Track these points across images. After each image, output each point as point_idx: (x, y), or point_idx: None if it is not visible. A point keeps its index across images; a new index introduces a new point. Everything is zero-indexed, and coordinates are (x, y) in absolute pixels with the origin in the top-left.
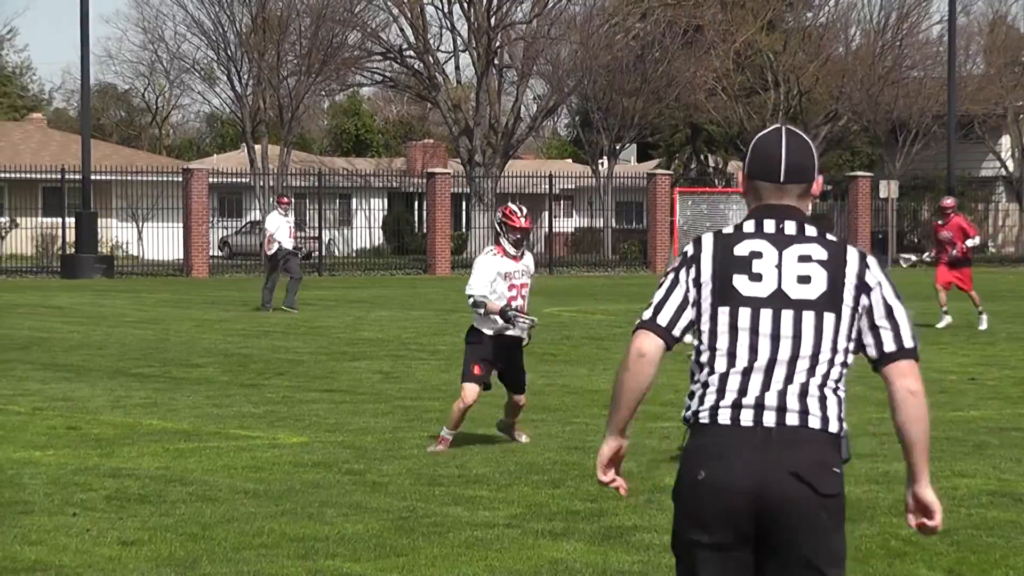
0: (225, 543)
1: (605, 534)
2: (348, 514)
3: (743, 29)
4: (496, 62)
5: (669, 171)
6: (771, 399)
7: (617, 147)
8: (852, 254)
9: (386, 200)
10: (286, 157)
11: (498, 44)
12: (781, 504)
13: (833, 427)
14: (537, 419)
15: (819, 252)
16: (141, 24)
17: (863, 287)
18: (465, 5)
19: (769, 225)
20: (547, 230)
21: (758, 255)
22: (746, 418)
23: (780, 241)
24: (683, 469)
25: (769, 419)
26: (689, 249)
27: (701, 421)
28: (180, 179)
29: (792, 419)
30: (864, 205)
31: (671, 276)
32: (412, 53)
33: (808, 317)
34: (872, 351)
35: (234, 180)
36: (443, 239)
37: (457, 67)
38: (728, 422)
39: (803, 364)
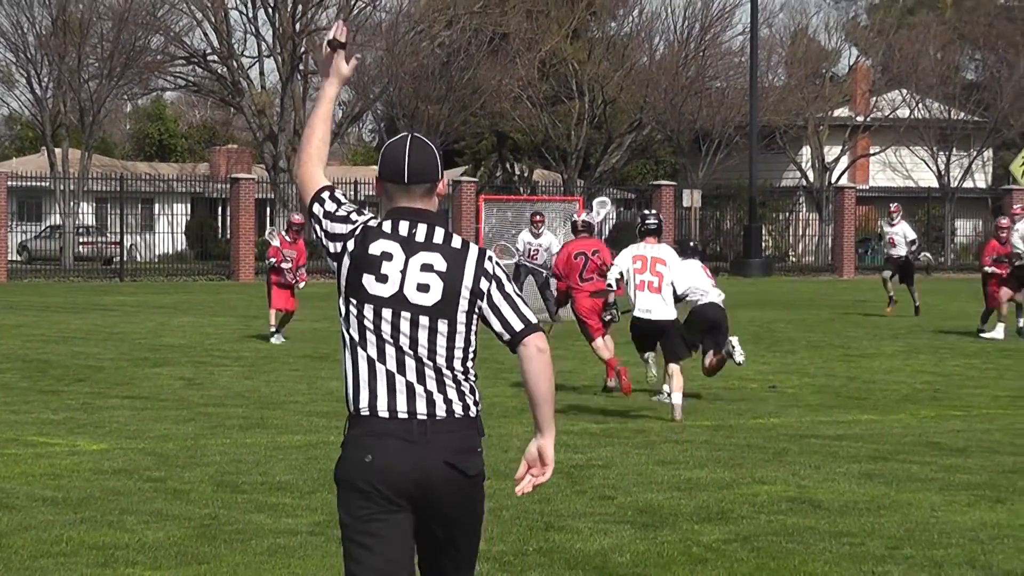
0: (22, 551)
1: None
2: (149, 521)
3: (548, 38)
4: (301, 67)
5: (475, 178)
6: (409, 383)
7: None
8: (470, 265)
9: (189, 205)
10: (87, 161)
11: (303, 49)
12: (435, 485)
13: (472, 411)
14: (338, 426)
15: (440, 263)
16: None
17: (477, 293)
18: (270, 10)
19: (403, 227)
20: None
21: (388, 256)
22: (400, 406)
23: (410, 246)
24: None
25: (419, 408)
26: (350, 225)
27: (361, 412)
28: None
29: (439, 411)
30: (667, 214)
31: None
32: (216, 58)
33: (424, 321)
34: (505, 336)
35: (34, 184)
36: (247, 245)
37: (262, 72)
38: (385, 414)
39: (430, 363)
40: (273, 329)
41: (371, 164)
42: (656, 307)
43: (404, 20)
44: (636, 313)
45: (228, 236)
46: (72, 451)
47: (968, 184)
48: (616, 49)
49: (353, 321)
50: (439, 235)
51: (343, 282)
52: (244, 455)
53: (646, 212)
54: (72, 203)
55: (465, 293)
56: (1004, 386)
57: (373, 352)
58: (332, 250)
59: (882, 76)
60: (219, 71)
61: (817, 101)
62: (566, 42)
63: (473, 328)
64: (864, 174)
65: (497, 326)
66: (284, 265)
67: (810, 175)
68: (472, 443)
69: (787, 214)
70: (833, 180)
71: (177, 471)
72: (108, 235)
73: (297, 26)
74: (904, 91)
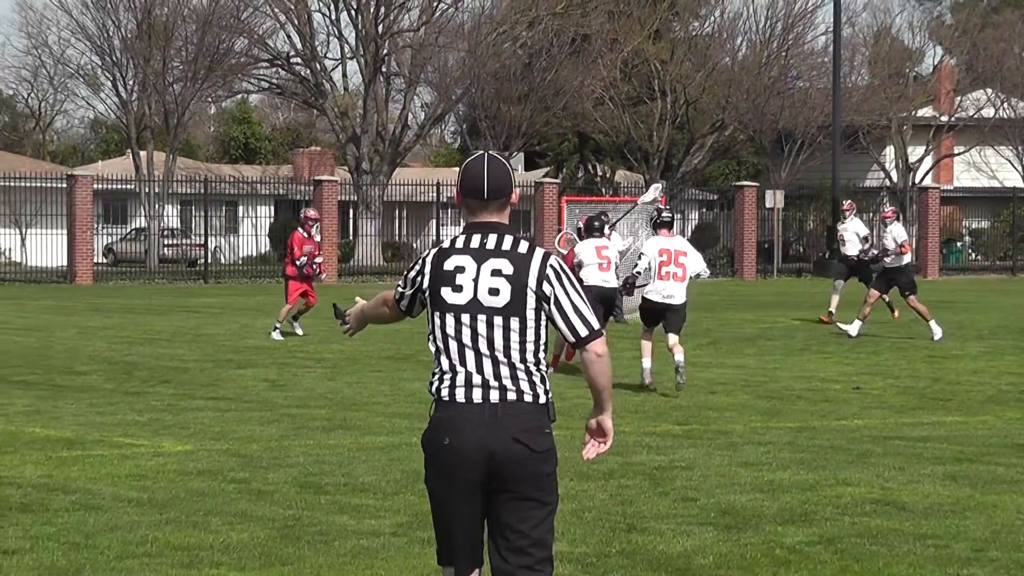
0: (108, 552)
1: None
2: (233, 523)
3: (630, 38)
4: (383, 70)
5: (557, 180)
6: (486, 380)
7: (505, 155)
8: (534, 267)
9: (273, 207)
10: (172, 164)
11: (385, 52)
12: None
13: (542, 398)
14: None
15: (508, 267)
16: (25, 29)
17: (540, 297)
18: (353, 12)
19: (475, 240)
20: (435, 238)
21: (461, 269)
22: (476, 396)
23: (481, 255)
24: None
25: (492, 396)
26: (416, 266)
27: (443, 398)
28: (64, 185)
29: (510, 395)
30: (750, 214)
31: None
32: (299, 60)
33: (498, 321)
34: (571, 338)
35: (119, 187)
36: (330, 247)
37: (344, 74)
38: (462, 399)
39: (503, 356)
40: (279, 325)
41: (453, 166)
42: (677, 293)
43: (486, 21)
44: (653, 296)
45: None
46: (157, 452)
47: None
48: (698, 49)
49: (437, 331)
50: (507, 242)
51: (428, 300)
52: (327, 456)
53: (660, 207)
54: (157, 206)
55: (531, 293)
56: None
57: (455, 355)
58: (413, 288)
59: (966, 75)
60: (302, 73)
61: (900, 101)
62: (648, 42)
63: (543, 324)
64: (948, 174)
65: (563, 328)
66: (300, 261)
67: (894, 175)
68: (540, 424)
69: (871, 215)
70: (917, 180)
71: (261, 472)
72: (192, 237)
73: (380, 28)
74: (989, 90)
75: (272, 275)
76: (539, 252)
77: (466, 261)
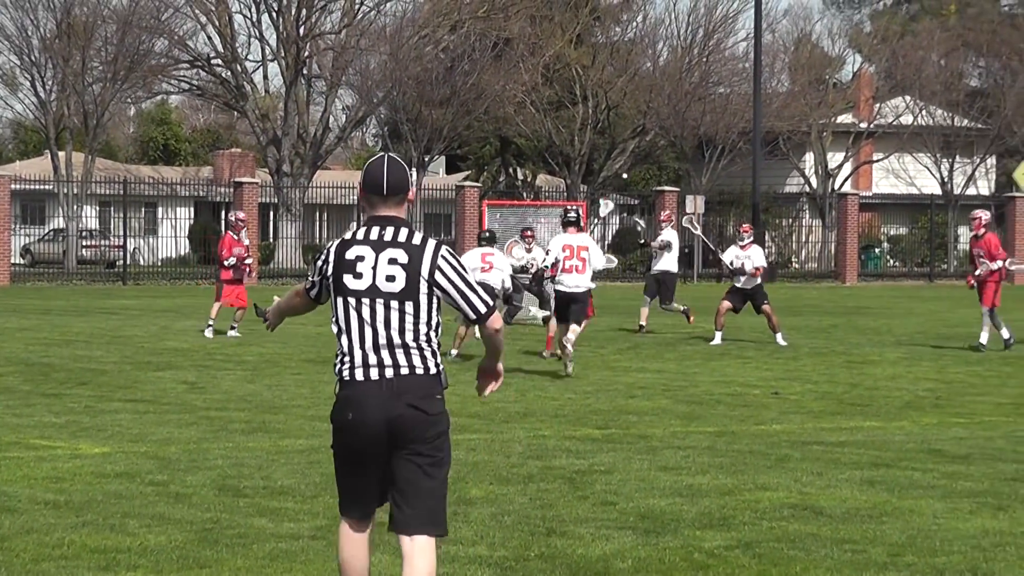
0: (24, 555)
1: None
2: (151, 525)
3: (552, 43)
4: (305, 72)
5: (478, 183)
6: (381, 359)
7: (426, 159)
8: (427, 259)
9: (193, 209)
10: (91, 164)
11: (307, 54)
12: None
13: (433, 369)
14: None
15: (403, 257)
16: None
17: (432, 284)
18: (274, 14)
19: (374, 232)
20: None
21: (361, 258)
22: (374, 374)
23: (380, 246)
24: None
25: (388, 373)
26: (323, 256)
27: (344, 378)
28: None
29: (404, 369)
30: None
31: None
32: (220, 62)
33: (394, 304)
34: (470, 315)
35: (37, 187)
36: (251, 249)
37: (265, 76)
38: (361, 378)
39: (398, 336)
40: (211, 322)
41: None
42: (581, 284)
43: (408, 25)
44: (560, 288)
45: None
46: (74, 454)
47: (971, 191)
48: (620, 54)
49: (340, 314)
50: (403, 234)
51: (331, 287)
52: (246, 459)
53: (567, 207)
54: (75, 206)
55: (424, 280)
56: (1006, 394)
57: (356, 335)
58: (320, 276)
59: (886, 83)
60: (223, 75)
61: (820, 107)
62: (570, 47)
63: (434, 307)
64: (867, 181)
65: (464, 308)
66: (229, 261)
67: (813, 181)
68: (432, 391)
69: (790, 220)
70: (836, 187)
71: (179, 475)
72: (111, 238)
73: (301, 30)
74: (908, 98)
75: (191, 277)
76: (431, 243)
77: (366, 251)
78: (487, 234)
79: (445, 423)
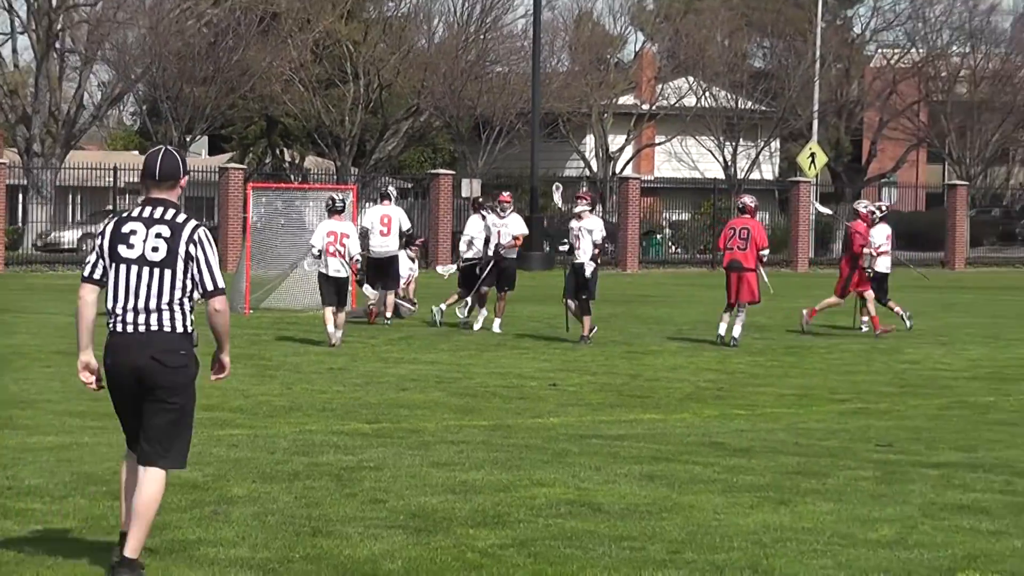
0: None
1: (168, 548)
2: None
3: (321, 17)
4: (58, 46)
5: (243, 165)
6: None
7: (188, 139)
8: (185, 235)
9: None
10: None
11: (60, 26)
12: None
13: (180, 328)
14: (93, 427)
15: (167, 232)
16: None
17: (187, 256)
18: None
19: (147, 211)
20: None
21: (134, 232)
22: (129, 328)
23: (150, 223)
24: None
25: (141, 328)
26: (99, 233)
27: (110, 329)
28: None
29: (154, 326)
30: (446, 204)
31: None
32: None
33: (156, 272)
34: (202, 289)
35: None
36: None
37: (15, 50)
38: (120, 330)
39: (155, 298)
40: None
41: (132, 149)
42: (342, 269)
43: None
44: (325, 271)
45: None
46: None
47: (755, 176)
48: (393, 30)
49: (111, 278)
50: (170, 214)
51: (106, 256)
52: None
53: (335, 196)
54: None
55: (181, 253)
56: (789, 384)
57: (122, 296)
58: (98, 252)
59: (668, 63)
60: None
61: (602, 88)
62: (341, 22)
63: (189, 276)
64: (649, 164)
65: (199, 280)
66: None
67: (594, 165)
68: (177, 347)
69: (570, 205)
70: (617, 170)
71: None
72: None
73: (53, 1)
74: (691, 79)
75: None
76: (191, 223)
77: (138, 226)
78: (333, 204)
79: (185, 376)
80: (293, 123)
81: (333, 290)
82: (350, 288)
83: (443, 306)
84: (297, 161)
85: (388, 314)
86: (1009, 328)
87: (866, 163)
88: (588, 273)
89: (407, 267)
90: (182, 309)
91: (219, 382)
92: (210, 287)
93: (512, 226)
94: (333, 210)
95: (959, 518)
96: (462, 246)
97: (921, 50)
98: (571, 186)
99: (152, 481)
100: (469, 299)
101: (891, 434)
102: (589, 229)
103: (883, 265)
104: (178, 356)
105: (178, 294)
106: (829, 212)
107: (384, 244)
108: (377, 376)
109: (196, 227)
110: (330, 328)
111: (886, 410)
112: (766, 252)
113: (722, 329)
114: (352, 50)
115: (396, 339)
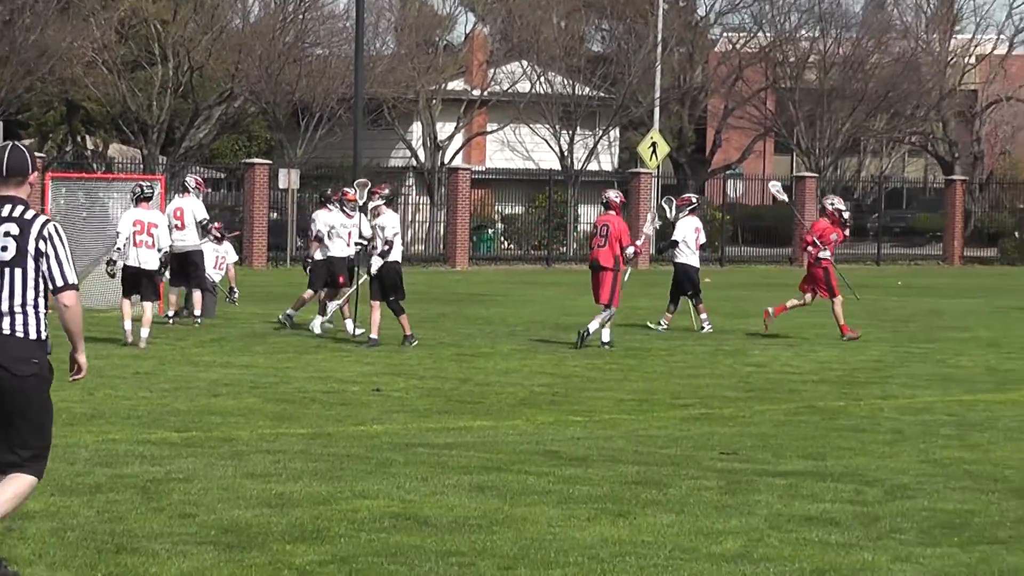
0: None
1: None
2: None
3: None
4: None
5: (41, 154)
6: None
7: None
8: (35, 231)
9: None
10: None
11: None
12: None
13: (33, 335)
14: None
15: (15, 230)
16: None
17: (37, 253)
18: None
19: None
20: None
21: None
22: None
23: None
24: None
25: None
26: None
27: None
28: None
29: (6, 330)
30: (261, 195)
31: None
32: None
33: (6, 272)
34: (51, 285)
35: None
36: None
37: None
38: None
39: (7, 300)
40: None
41: None
42: (150, 260)
43: None
44: (130, 263)
45: None
46: None
47: (593, 167)
48: (205, 9)
49: None
50: (19, 211)
51: None
52: None
53: (143, 184)
54: None
55: (31, 251)
56: (628, 388)
57: None
58: None
59: (501, 46)
60: None
61: (430, 72)
62: (148, 0)
63: (41, 275)
64: (481, 154)
65: (47, 274)
66: None
67: (421, 154)
68: (28, 355)
69: (396, 197)
70: (446, 160)
71: None
72: None
73: None
74: (524, 63)
75: None
76: (41, 219)
77: None
78: (141, 191)
79: (35, 385)
80: (96, 108)
81: (136, 282)
82: (159, 282)
83: (326, 319)
84: (100, 149)
85: (197, 312)
86: (862, 328)
87: (710, 154)
88: (375, 270)
89: (213, 254)
90: (36, 312)
91: (71, 379)
92: (59, 282)
93: (388, 227)
94: (141, 198)
95: (807, 530)
96: (313, 245)
97: (768, 34)
98: (396, 177)
99: (10, 485)
100: (339, 299)
101: (736, 441)
102: (382, 227)
103: (691, 259)
104: (29, 365)
105: (31, 294)
106: (784, 198)
107: (180, 238)
108: (187, 381)
109: (46, 222)
110: (127, 324)
111: (731, 416)
112: (631, 250)
113: (592, 325)
114: (160, 30)
115: (207, 341)
